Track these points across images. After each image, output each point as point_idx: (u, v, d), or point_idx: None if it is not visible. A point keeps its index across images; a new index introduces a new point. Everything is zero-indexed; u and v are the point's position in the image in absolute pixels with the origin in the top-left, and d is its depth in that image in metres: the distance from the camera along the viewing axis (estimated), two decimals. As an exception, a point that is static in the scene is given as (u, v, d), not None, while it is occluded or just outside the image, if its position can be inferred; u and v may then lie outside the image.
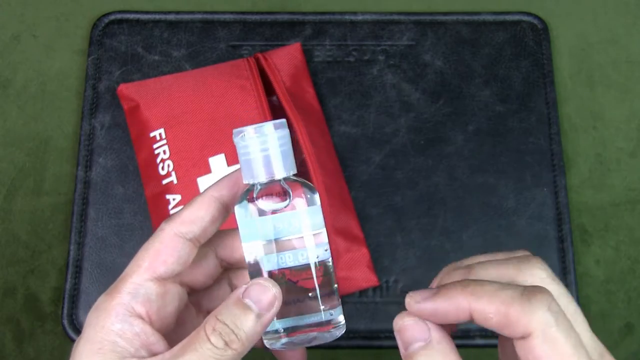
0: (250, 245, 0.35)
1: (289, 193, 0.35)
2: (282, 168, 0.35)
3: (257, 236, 0.35)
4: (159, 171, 0.60)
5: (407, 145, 0.66)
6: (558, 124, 0.67)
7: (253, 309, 0.33)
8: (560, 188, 0.65)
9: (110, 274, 0.61)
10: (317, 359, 0.60)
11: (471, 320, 0.32)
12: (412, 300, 0.33)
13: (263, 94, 0.61)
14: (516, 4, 0.71)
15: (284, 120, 0.36)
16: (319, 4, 0.71)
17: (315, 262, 0.35)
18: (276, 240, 0.35)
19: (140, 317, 0.34)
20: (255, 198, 0.35)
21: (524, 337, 0.30)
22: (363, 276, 0.60)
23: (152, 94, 0.62)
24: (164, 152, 0.60)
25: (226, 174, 0.38)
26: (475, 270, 0.34)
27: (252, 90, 0.61)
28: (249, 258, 0.35)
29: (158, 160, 0.60)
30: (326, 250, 0.35)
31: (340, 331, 0.36)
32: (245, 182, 0.35)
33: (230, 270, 0.40)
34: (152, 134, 0.61)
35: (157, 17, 0.69)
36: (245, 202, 0.35)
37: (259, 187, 0.35)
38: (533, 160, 0.65)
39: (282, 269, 0.35)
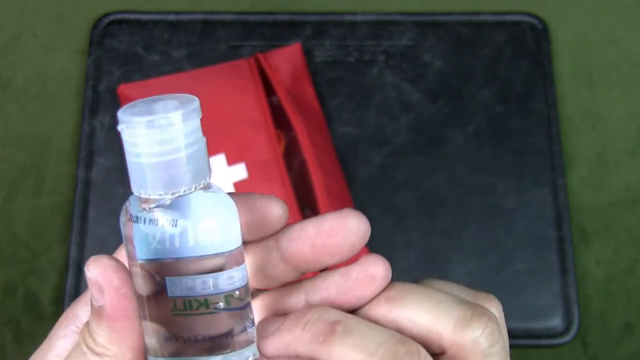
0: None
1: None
2: (190, 178, 0.25)
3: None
4: (159, 171, 0.60)
5: (407, 145, 0.66)
6: (558, 124, 0.67)
7: (94, 306, 0.25)
8: (560, 188, 0.65)
9: (111, 274, 0.61)
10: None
11: None
12: (261, 332, 0.25)
13: (263, 94, 0.61)
14: (516, 4, 0.71)
15: (195, 100, 0.26)
16: (319, 4, 0.71)
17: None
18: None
19: None
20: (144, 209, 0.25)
21: None
22: (363, 276, 0.60)
23: (152, 94, 0.62)
24: (164, 152, 0.60)
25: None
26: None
27: (253, 90, 0.61)
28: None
29: (158, 160, 0.60)
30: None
31: None
32: (134, 191, 0.26)
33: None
34: (152, 134, 0.61)
35: (157, 17, 0.69)
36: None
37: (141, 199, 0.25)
38: (533, 160, 0.65)
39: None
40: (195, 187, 0.25)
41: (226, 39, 0.69)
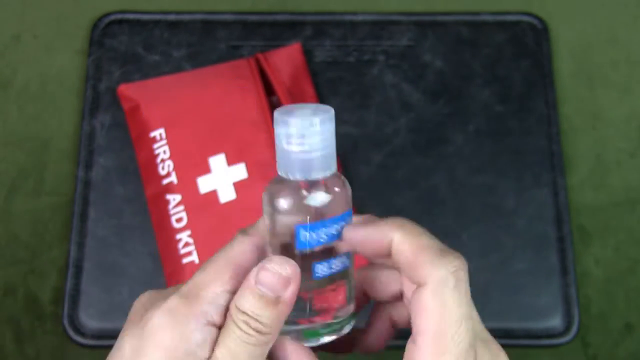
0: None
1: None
2: (323, 168, 0.37)
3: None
4: (159, 171, 0.60)
5: (407, 145, 0.66)
6: (558, 124, 0.67)
7: (269, 297, 0.32)
8: (560, 188, 0.65)
9: (111, 274, 0.61)
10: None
11: (387, 258, 0.34)
12: (347, 228, 0.36)
13: (263, 94, 0.61)
14: (516, 4, 0.71)
15: (331, 109, 0.36)
16: (319, 4, 0.71)
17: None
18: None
19: (217, 326, 0.33)
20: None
21: (419, 285, 0.32)
22: (363, 276, 0.60)
23: (152, 94, 0.62)
24: (164, 152, 0.60)
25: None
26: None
27: (253, 90, 0.61)
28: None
29: (158, 160, 0.60)
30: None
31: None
32: (280, 173, 0.36)
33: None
34: (152, 134, 0.61)
35: (157, 17, 0.69)
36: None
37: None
38: (533, 160, 0.65)
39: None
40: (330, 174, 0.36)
41: (226, 39, 0.69)
